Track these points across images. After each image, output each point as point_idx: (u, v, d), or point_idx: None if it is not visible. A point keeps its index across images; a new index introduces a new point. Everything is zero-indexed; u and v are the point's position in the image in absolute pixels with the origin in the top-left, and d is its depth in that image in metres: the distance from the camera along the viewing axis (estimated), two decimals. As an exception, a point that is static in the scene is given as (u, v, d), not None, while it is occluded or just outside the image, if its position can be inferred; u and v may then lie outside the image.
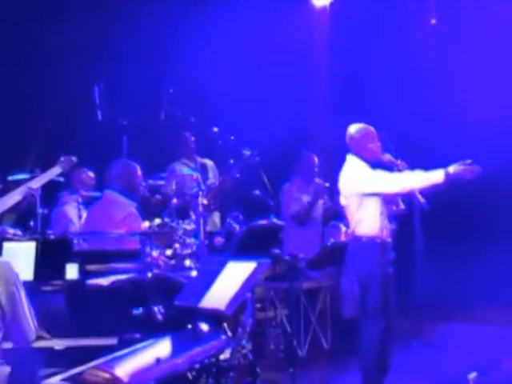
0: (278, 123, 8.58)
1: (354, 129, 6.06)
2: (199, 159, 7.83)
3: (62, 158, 6.34)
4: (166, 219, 6.03)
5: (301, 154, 8.17)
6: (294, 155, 8.24)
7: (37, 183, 6.26)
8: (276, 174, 7.85)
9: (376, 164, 5.98)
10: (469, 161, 5.62)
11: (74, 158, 6.37)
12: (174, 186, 6.53)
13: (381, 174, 5.86)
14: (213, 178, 7.73)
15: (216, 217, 7.71)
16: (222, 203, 7.36)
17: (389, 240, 5.98)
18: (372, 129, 6.03)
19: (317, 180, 8.06)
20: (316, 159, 8.11)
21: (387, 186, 5.81)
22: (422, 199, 6.35)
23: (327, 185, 7.79)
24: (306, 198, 7.88)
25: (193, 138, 7.75)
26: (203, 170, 7.60)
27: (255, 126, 8.32)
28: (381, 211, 5.92)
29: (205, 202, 6.35)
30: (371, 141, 5.98)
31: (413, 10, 9.30)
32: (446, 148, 8.20)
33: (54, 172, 6.35)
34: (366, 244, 5.90)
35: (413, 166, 5.94)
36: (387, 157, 6.02)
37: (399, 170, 5.95)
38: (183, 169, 7.29)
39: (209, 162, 7.94)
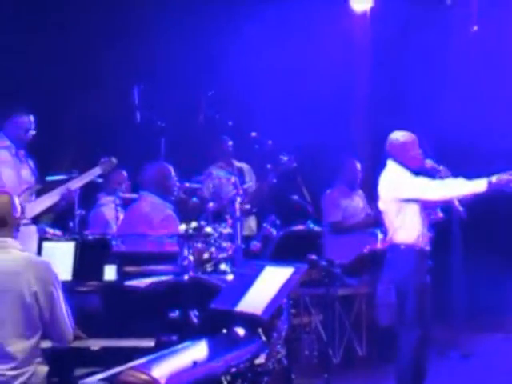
0: (316, 128, 8.58)
1: (395, 135, 6.04)
2: (236, 163, 7.88)
3: (103, 159, 6.44)
4: (203, 223, 6.07)
5: (344, 160, 8.19)
6: (332, 161, 8.26)
7: (76, 184, 6.37)
8: (313, 180, 7.86)
9: (417, 171, 5.97)
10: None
11: (114, 160, 6.47)
12: (210, 190, 6.58)
13: (422, 180, 5.85)
14: (249, 181, 7.76)
15: (252, 222, 7.74)
16: (259, 208, 7.39)
17: (427, 248, 5.95)
18: (413, 136, 6.01)
19: (361, 193, 8.10)
20: (359, 166, 8.12)
21: (428, 192, 5.80)
22: (460, 207, 6.32)
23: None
24: (346, 203, 7.91)
25: (230, 142, 7.79)
26: (240, 173, 7.64)
27: (293, 131, 8.33)
28: (420, 218, 5.91)
29: (247, 206, 6.40)
30: (413, 148, 5.96)
31: (454, 16, 9.27)
32: (488, 155, 8.20)
33: (93, 173, 6.45)
34: (404, 251, 5.87)
35: (454, 174, 5.92)
36: (429, 163, 6.00)
37: (441, 177, 5.93)
38: (220, 172, 7.34)
39: (245, 166, 7.98)
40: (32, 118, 6.42)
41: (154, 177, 6.38)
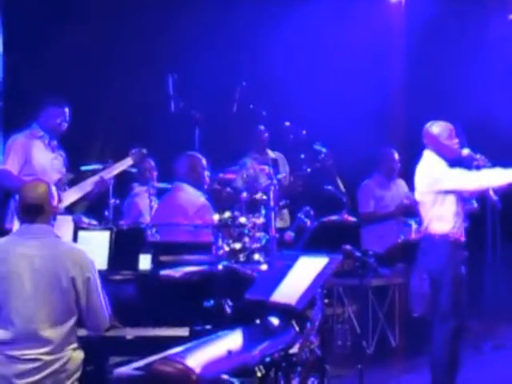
0: (352, 119, 8.58)
1: (432, 126, 6.03)
2: (270, 153, 7.89)
3: (133, 150, 6.52)
4: (236, 213, 6.09)
5: (381, 150, 8.19)
6: (368, 151, 8.25)
7: (109, 174, 6.44)
8: (349, 171, 7.85)
9: (454, 161, 5.95)
10: None
11: (144, 150, 6.55)
12: (244, 180, 6.59)
13: (458, 171, 5.84)
14: (283, 172, 7.77)
15: (285, 214, 7.76)
16: (292, 200, 7.42)
17: (462, 239, 5.94)
18: (450, 126, 5.99)
19: (401, 183, 8.08)
20: (397, 156, 8.12)
21: (465, 183, 5.80)
22: (494, 197, 6.29)
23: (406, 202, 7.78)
24: (382, 193, 7.91)
25: (266, 134, 7.79)
26: (274, 164, 7.64)
27: (329, 122, 8.34)
28: (456, 209, 5.90)
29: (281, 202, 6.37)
30: (449, 138, 5.95)
31: (490, 5, 9.19)
32: None
33: (125, 163, 6.52)
34: (439, 242, 5.88)
35: (492, 163, 5.89)
36: (466, 152, 5.97)
37: (478, 166, 5.90)
38: (254, 163, 7.36)
39: (280, 156, 7.99)
40: (67, 109, 6.49)
41: (186, 167, 6.42)
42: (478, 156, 5.97)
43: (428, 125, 6.05)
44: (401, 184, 8.19)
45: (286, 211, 7.78)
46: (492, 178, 5.75)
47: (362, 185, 8.10)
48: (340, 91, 8.82)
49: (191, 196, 6.30)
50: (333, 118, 8.53)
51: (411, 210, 7.16)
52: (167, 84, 6.97)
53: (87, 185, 6.42)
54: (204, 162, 6.49)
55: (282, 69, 8.63)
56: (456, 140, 5.96)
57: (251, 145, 7.93)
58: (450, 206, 5.88)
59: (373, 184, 8.10)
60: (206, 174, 6.49)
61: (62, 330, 4.23)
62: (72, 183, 6.50)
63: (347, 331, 7.32)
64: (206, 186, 6.46)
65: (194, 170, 6.40)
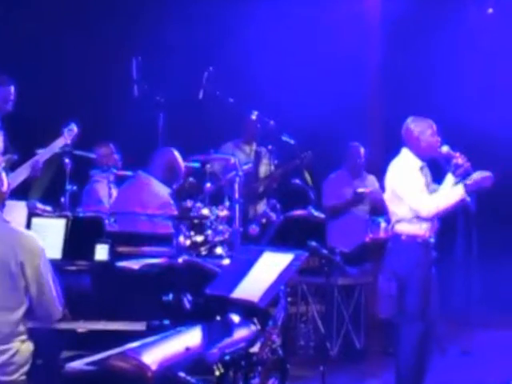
0: (323, 111, 8.59)
1: (412, 122, 6.01)
2: (253, 146, 7.92)
3: (65, 129, 6.45)
4: (199, 204, 6.08)
5: (348, 145, 8.21)
6: (338, 146, 8.27)
7: (44, 156, 6.37)
8: (318, 165, 7.88)
9: (432, 158, 5.98)
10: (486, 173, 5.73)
11: (74, 127, 6.47)
12: (208, 170, 6.60)
13: (418, 194, 5.83)
14: (265, 165, 7.82)
15: (262, 205, 7.79)
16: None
17: (432, 240, 5.98)
18: (431, 122, 5.98)
19: (370, 179, 8.13)
20: (363, 151, 8.15)
21: (421, 209, 5.81)
22: (467, 197, 6.33)
23: (368, 190, 7.83)
24: (348, 192, 7.96)
25: (258, 125, 7.76)
26: (256, 157, 7.69)
27: (298, 113, 8.35)
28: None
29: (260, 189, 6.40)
30: (430, 135, 5.94)
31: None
32: (503, 140, 8.21)
33: (57, 144, 6.47)
34: (407, 243, 5.89)
35: (472, 160, 5.92)
36: (445, 149, 5.97)
37: (457, 165, 5.92)
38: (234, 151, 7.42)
39: (264, 150, 7.99)
40: (12, 87, 6.38)
41: (163, 164, 6.37)
42: (457, 154, 5.99)
43: (408, 120, 6.03)
44: (370, 180, 8.23)
45: (263, 204, 7.82)
46: (442, 204, 5.79)
47: (327, 179, 8.12)
48: (313, 81, 8.84)
49: (156, 190, 6.26)
50: (305, 109, 8.55)
51: (381, 208, 7.19)
52: (131, 67, 6.93)
53: (24, 169, 6.33)
54: (182, 164, 6.46)
55: (254, 56, 8.63)
56: (437, 138, 5.96)
57: (241, 133, 7.98)
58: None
59: (336, 179, 8.12)
60: (182, 175, 6.47)
61: (11, 318, 4.18)
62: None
63: (311, 331, 7.35)
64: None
65: (171, 170, 6.37)
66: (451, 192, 5.82)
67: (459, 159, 5.92)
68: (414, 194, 5.85)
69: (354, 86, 8.88)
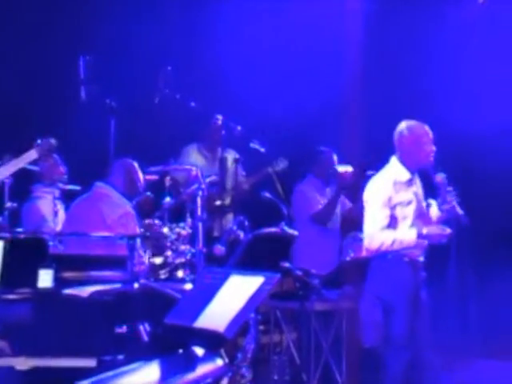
0: (297, 115, 8.60)
1: (406, 126, 6.04)
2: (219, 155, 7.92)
3: (39, 141, 6.39)
4: (157, 221, 6.07)
5: (318, 150, 8.21)
6: (310, 153, 8.27)
7: (6, 171, 6.31)
8: (291, 175, 7.89)
9: (420, 171, 6.03)
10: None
11: (53, 141, 6.43)
12: (167, 183, 6.59)
13: (375, 219, 5.94)
14: (233, 173, 7.80)
15: (227, 222, 7.79)
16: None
17: (421, 259, 6.00)
18: (427, 129, 6.01)
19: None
20: (336, 158, 8.15)
21: (371, 242, 5.94)
22: (460, 210, 6.36)
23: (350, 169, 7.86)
24: (322, 201, 7.96)
25: (223, 132, 7.75)
26: (221, 164, 7.68)
27: (268, 117, 8.35)
28: (412, 224, 5.95)
29: (217, 202, 6.43)
30: (424, 144, 5.97)
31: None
32: (491, 141, 8.26)
33: (28, 157, 6.40)
34: (392, 262, 5.93)
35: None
36: (440, 178, 6.02)
37: (444, 200, 5.98)
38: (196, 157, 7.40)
39: (230, 157, 7.97)
40: None
41: (123, 177, 6.49)
42: (450, 188, 6.03)
43: (402, 125, 6.06)
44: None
45: (230, 219, 7.82)
46: (393, 244, 5.89)
47: (296, 189, 8.09)
48: (286, 83, 8.85)
49: (116, 201, 6.33)
50: (277, 113, 8.55)
51: (352, 223, 7.24)
52: (78, 67, 6.91)
53: None
54: (141, 176, 6.55)
55: (219, 54, 8.62)
56: (432, 147, 5.99)
57: (203, 138, 7.98)
58: (403, 220, 5.94)
59: (309, 188, 8.11)
60: (141, 187, 6.57)
61: None
62: None
63: (286, 363, 7.31)
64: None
65: (131, 183, 6.48)
66: (404, 234, 5.91)
67: (448, 197, 5.98)
68: (371, 218, 5.96)
69: (331, 88, 8.88)
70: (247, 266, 5.82)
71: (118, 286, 5.11)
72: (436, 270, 6.59)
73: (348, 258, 7.57)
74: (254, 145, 7.51)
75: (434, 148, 6.00)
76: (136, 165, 6.53)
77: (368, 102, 8.91)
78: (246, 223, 6.66)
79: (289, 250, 7.80)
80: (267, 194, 7.22)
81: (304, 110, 8.71)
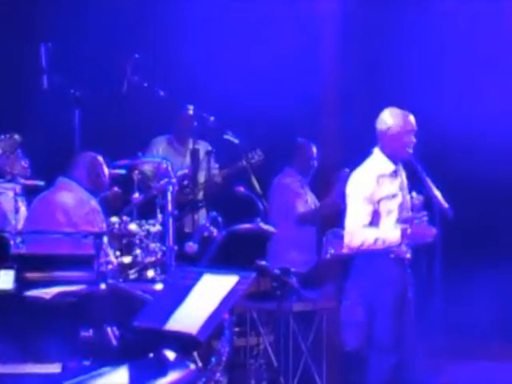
0: (273, 104, 8.58)
1: (388, 113, 6.05)
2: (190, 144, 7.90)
3: (2, 136, 6.37)
4: (125, 218, 6.05)
5: (297, 142, 8.21)
6: (288, 145, 8.28)
7: None
8: (267, 168, 7.88)
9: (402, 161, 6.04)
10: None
11: (17, 137, 6.41)
12: (136, 177, 6.58)
13: (356, 215, 5.95)
14: (206, 167, 7.81)
15: (202, 217, 7.78)
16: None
17: (408, 255, 6.01)
18: (411, 119, 6.01)
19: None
20: (315, 151, 8.15)
21: (352, 239, 5.94)
22: (445, 203, 6.37)
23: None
24: (308, 195, 8.04)
25: (195, 123, 7.72)
26: (193, 157, 7.67)
27: (244, 107, 8.33)
28: (397, 220, 5.96)
29: (189, 197, 6.43)
30: (404, 133, 5.97)
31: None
32: (478, 134, 8.30)
33: None
34: (377, 259, 5.93)
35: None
36: (417, 200, 6.05)
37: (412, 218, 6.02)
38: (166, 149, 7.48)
39: (203, 149, 7.95)
40: None
41: (87, 171, 6.48)
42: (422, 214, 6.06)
43: (384, 112, 6.07)
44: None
45: (203, 215, 7.81)
46: (375, 243, 5.89)
47: (275, 184, 8.10)
48: (262, 71, 8.83)
49: (80, 196, 6.32)
50: (252, 103, 8.53)
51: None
52: (39, 55, 6.87)
53: None
54: (106, 169, 6.55)
55: (191, 41, 8.60)
56: (412, 139, 5.99)
57: (173, 129, 8.02)
58: (387, 215, 5.94)
59: (288, 181, 8.12)
60: (107, 182, 6.59)
61: None
62: None
63: (263, 367, 7.31)
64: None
65: (96, 178, 6.49)
66: (388, 234, 5.91)
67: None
68: (353, 214, 5.97)
69: (308, 78, 8.89)
70: (221, 264, 5.80)
71: (83, 286, 5.09)
72: (422, 268, 6.61)
73: (328, 256, 7.59)
74: (228, 136, 7.49)
75: (414, 140, 6.01)
76: (100, 158, 6.51)
77: (347, 93, 8.93)
78: (220, 219, 6.64)
79: (265, 248, 7.84)
80: (242, 189, 7.22)
81: (280, 101, 8.70)
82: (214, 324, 4.30)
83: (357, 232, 5.91)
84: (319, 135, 8.43)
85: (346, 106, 8.71)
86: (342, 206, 6.43)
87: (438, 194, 6.05)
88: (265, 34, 8.90)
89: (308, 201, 8.17)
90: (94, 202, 6.34)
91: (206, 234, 6.37)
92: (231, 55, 8.80)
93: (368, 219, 5.92)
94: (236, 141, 7.46)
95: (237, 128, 7.63)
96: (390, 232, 5.91)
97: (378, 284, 5.90)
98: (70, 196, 6.35)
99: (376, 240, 5.87)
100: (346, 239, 5.97)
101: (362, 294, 5.96)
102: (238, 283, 4.36)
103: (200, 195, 7.91)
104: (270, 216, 7.77)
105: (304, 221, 7.98)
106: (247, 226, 6.61)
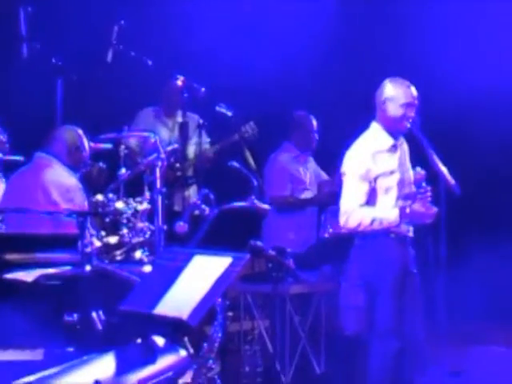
0: (266, 73, 8.59)
1: (388, 83, 6.03)
2: (179, 117, 7.87)
3: None
4: (111, 195, 6.05)
5: (295, 115, 8.20)
6: (285, 118, 8.26)
7: None
8: (262, 142, 7.87)
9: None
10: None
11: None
12: (122, 152, 6.57)
13: (352, 194, 5.95)
14: (197, 140, 7.81)
15: (192, 193, 7.79)
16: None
17: (410, 234, 6.01)
18: (412, 90, 5.99)
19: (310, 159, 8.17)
20: (315, 123, 8.13)
21: (348, 218, 5.93)
22: (451, 180, 6.37)
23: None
24: (302, 171, 7.96)
25: (186, 95, 7.70)
26: (182, 130, 7.66)
27: (237, 77, 8.32)
28: (398, 196, 5.96)
29: (178, 173, 6.42)
30: (402, 105, 5.95)
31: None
32: (478, 116, 8.30)
33: None
34: (377, 239, 5.94)
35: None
36: (419, 175, 6.06)
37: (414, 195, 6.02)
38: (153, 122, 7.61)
39: (192, 123, 7.93)
40: None
41: (65, 145, 6.48)
42: (423, 184, 6.04)
43: (384, 82, 6.04)
44: (311, 160, 8.27)
45: (193, 191, 7.82)
46: (373, 223, 5.88)
47: (272, 160, 8.10)
48: (256, 39, 8.84)
49: (59, 173, 6.33)
50: (246, 73, 8.53)
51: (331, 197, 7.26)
52: (18, 21, 6.85)
53: None
54: (86, 143, 6.54)
55: (181, 8, 8.58)
56: (411, 113, 5.96)
57: (161, 101, 8.03)
58: (386, 192, 5.95)
59: (286, 158, 8.11)
60: (87, 158, 6.60)
61: None
62: None
63: (258, 354, 7.33)
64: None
65: (76, 152, 6.49)
66: (385, 213, 5.91)
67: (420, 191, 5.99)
68: (348, 193, 5.97)
69: (304, 47, 8.90)
70: (213, 244, 5.81)
71: (67, 268, 5.09)
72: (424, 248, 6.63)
73: (327, 235, 7.59)
74: (221, 108, 7.47)
75: (412, 114, 5.99)
76: (80, 131, 6.50)
77: (346, 61, 8.93)
78: (212, 197, 6.65)
79: (259, 227, 7.83)
80: (235, 164, 7.21)
81: (276, 70, 8.70)
82: (206, 308, 4.31)
83: (353, 212, 5.90)
84: (317, 105, 8.43)
85: (347, 74, 8.72)
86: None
87: (444, 169, 6.05)
88: (257, 0, 8.91)
89: (306, 182, 8.14)
90: (74, 179, 6.35)
91: (196, 212, 6.37)
92: (222, 22, 8.81)
93: (364, 198, 5.92)
94: (229, 113, 7.44)
95: (230, 100, 7.60)
96: (387, 212, 5.91)
97: (378, 265, 5.92)
98: (49, 172, 6.34)
99: (373, 220, 5.87)
100: (342, 220, 5.97)
101: (361, 276, 5.97)
102: (231, 265, 4.37)
103: (190, 171, 7.91)
104: (265, 193, 7.78)
105: (276, 204, 7.91)
106: (241, 203, 6.61)
